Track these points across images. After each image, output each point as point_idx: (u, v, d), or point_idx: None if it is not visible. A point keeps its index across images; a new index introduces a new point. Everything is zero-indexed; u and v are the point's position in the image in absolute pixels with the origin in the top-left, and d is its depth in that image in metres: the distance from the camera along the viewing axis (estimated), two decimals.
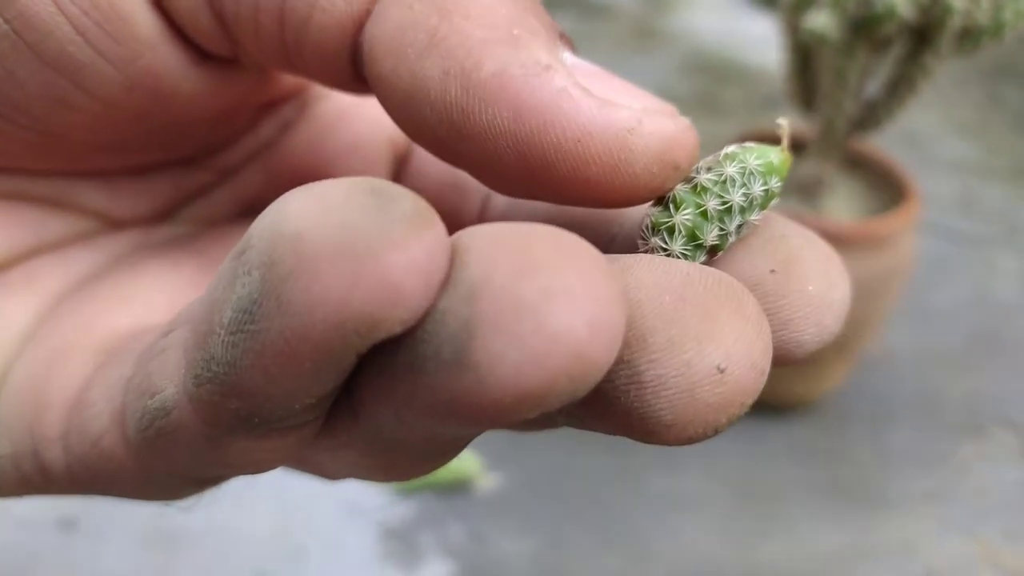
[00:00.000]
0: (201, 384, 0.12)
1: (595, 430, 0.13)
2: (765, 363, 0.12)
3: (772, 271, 0.14)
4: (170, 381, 0.13)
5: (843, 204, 0.67)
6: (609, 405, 0.12)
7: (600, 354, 0.10)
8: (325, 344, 0.10)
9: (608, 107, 0.12)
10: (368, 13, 0.13)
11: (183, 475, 0.14)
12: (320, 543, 0.62)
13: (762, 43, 1.18)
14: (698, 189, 0.14)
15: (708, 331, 0.11)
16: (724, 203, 0.14)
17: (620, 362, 0.11)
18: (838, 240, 0.61)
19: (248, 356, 0.11)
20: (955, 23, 0.55)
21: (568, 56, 0.13)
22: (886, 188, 0.68)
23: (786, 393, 0.71)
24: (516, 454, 0.68)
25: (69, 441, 0.15)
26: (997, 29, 0.55)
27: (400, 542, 0.62)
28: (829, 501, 0.67)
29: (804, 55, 0.63)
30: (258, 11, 0.14)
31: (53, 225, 0.17)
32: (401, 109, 0.13)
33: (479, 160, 0.13)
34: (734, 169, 0.14)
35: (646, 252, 0.14)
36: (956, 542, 0.64)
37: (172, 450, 0.13)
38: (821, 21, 0.56)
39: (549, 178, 0.13)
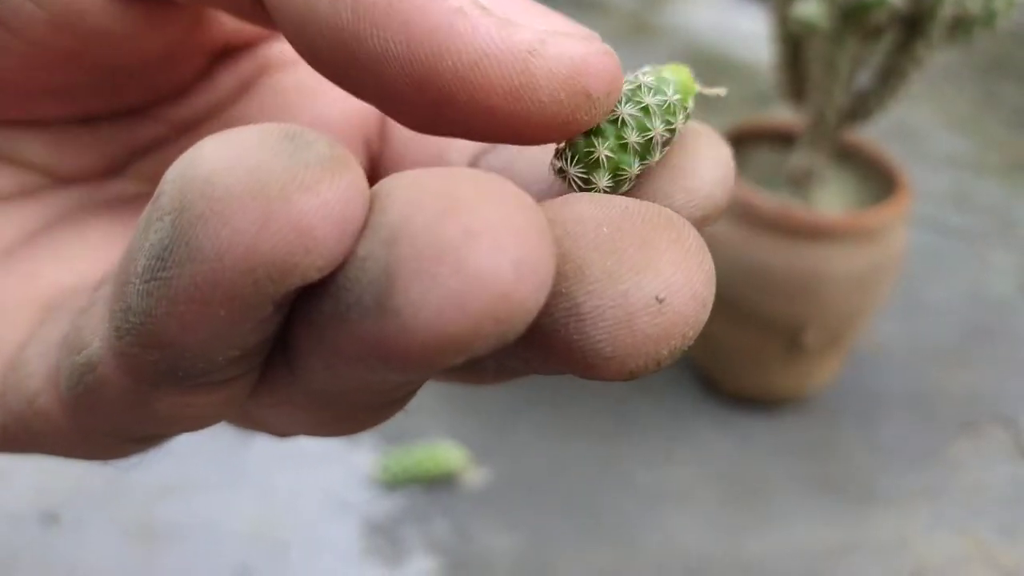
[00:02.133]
0: (122, 336, 0.11)
1: (537, 371, 0.13)
2: (707, 294, 0.11)
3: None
4: (95, 335, 0.12)
5: (833, 196, 0.67)
6: (548, 339, 0.11)
7: (527, 295, 0.10)
8: (237, 290, 0.10)
9: (508, 27, 0.12)
10: None
11: (119, 433, 0.14)
12: (303, 538, 0.62)
13: (755, 38, 1.18)
14: (620, 123, 0.13)
15: (646, 261, 0.11)
16: (647, 137, 0.14)
17: (558, 295, 0.11)
18: (828, 232, 0.60)
19: (162, 304, 0.10)
20: (946, 12, 0.54)
21: None
22: (877, 180, 0.68)
23: (775, 388, 0.70)
24: (502, 448, 0.67)
25: (6, 399, 0.14)
26: (989, 18, 0.55)
27: (384, 537, 0.61)
28: (819, 496, 0.66)
29: (794, 46, 0.62)
30: None
31: None
32: (297, 35, 0.13)
33: (379, 91, 0.12)
34: (655, 100, 0.14)
35: (562, 181, 0.13)
36: (948, 538, 0.64)
37: (102, 407, 0.13)
38: (811, 10, 0.55)
39: (452, 109, 0.12)
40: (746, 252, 0.62)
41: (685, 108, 0.14)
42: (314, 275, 0.10)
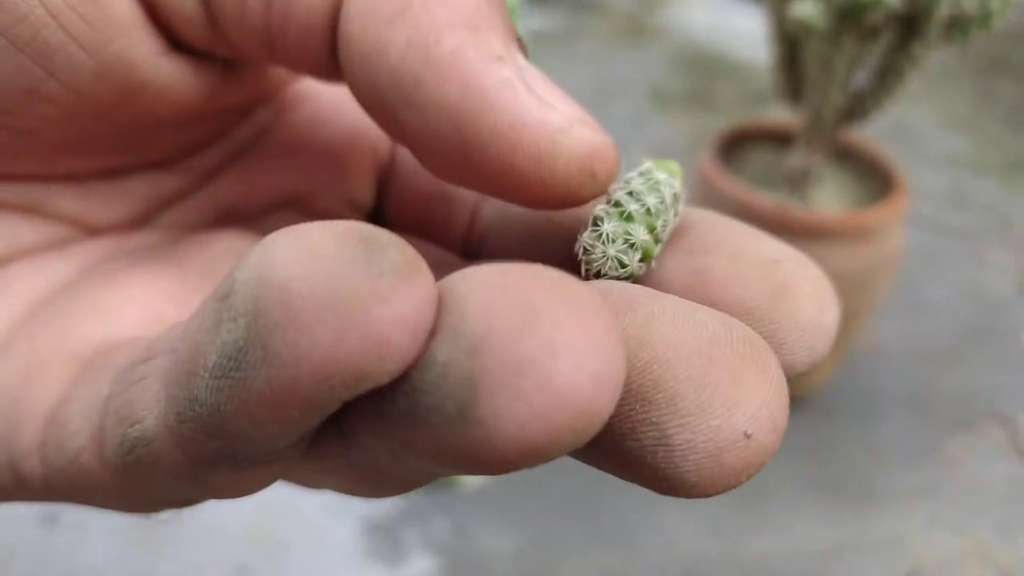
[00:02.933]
0: (184, 422, 0.12)
1: (599, 468, 0.13)
2: (784, 423, 0.12)
3: (770, 297, 0.14)
4: (150, 412, 0.13)
5: (831, 196, 0.67)
6: (634, 462, 0.12)
7: (603, 407, 0.10)
8: (312, 394, 0.10)
9: (545, 106, 0.13)
10: None
11: (164, 498, 0.15)
12: (303, 539, 0.62)
13: (752, 38, 1.18)
14: (616, 202, 0.15)
15: (737, 397, 0.12)
16: (643, 206, 0.15)
17: (648, 423, 0.12)
18: (825, 232, 0.60)
19: (233, 402, 0.11)
20: (943, 12, 0.54)
21: (520, 57, 0.14)
22: (874, 180, 0.68)
23: None
24: None
25: (46, 454, 0.15)
26: (985, 18, 0.55)
27: (383, 538, 0.61)
28: (818, 496, 0.66)
29: (791, 45, 0.62)
30: (243, 13, 0.14)
31: (26, 232, 0.16)
32: (361, 69, 0.14)
33: (420, 132, 0.14)
34: (640, 182, 0.15)
35: (590, 262, 0.15)
36: (945, 537, 0.64)
37: (152, 476, 0.13)
38: (807, 10, 0.55)
39: (480, 160, 0.13)
40: None
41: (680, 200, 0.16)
42: (385, 379, 0.10)
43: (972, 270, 0.91)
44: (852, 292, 0.63)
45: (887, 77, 0.60)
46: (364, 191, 0.19)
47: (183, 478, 0.13)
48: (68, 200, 0.17)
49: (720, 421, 0.11)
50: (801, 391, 0.72)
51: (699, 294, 0.14)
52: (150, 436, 0.13)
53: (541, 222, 0.17)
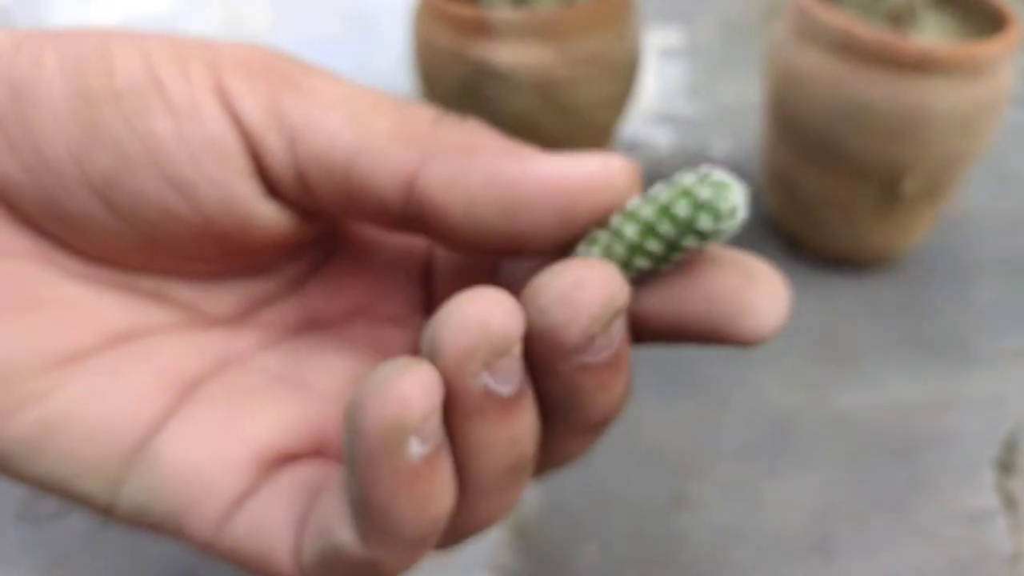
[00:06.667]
0: (359, 523, 0.17)
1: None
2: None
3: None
4: (341, 523, 0.17)
5: (934, 39, 0.62)
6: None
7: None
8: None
9: (576, 160, 0.17)
10: (419, 171, 0.17)
11: None
12: None
13: None
14: (608, 226, 0.18)
15: None
16: (621, 238, 0.17)
17: None
18: (933, 65, 0.56)
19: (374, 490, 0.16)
20: None
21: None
22: (981, 23, 0.63)
23: (865, 247, 0.67)
24: None
25: (225, 537, 0.18)
26: None
27: None
28: (913, 355, 0.63)
29: None
30: (331, 176, 0.17)
31: (157, 313, 0.20)
32: (456, 235, 0.18)
33: (478, 240, 0.18)
34: (651, 208, 0.17)
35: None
36: None
37: (339, 571, 0.17)
38: None
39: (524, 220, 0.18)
40: (843, 88, 0.58)
41: (715, 234, 0.17)
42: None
43: None
44: (959, 132, 0.58)
45: None
46: (418, 291, 0.23)
47: (366, 571, 0.17)
48: (186, 291, 0.21)
49: None
50: (894, 251, 0.68)
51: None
52: (342, 543, 0.17)
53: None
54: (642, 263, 0.17)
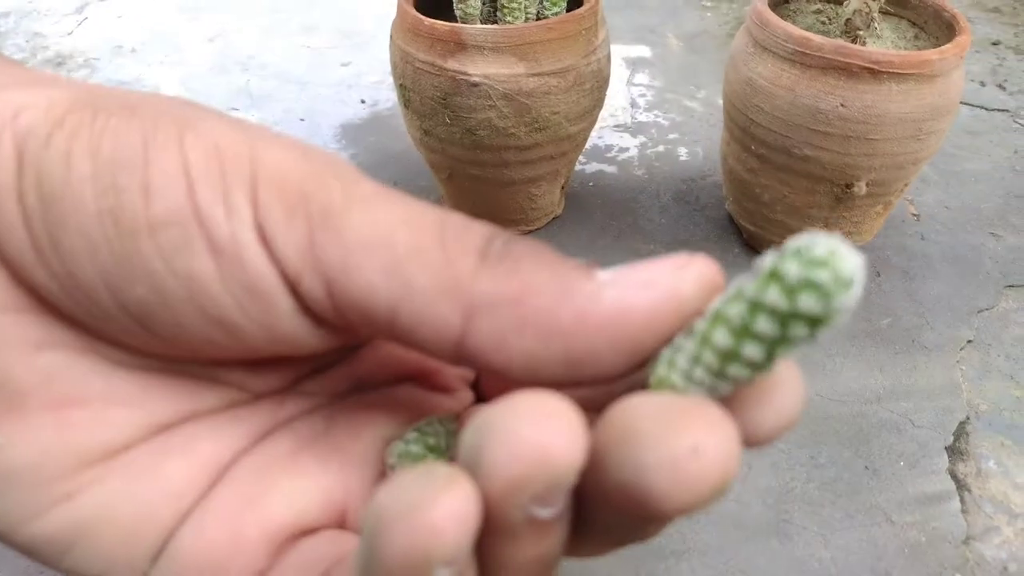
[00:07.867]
0: None
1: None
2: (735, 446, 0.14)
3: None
4: None
5: (888, 47, 0.65)
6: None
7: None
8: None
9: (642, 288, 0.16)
10: (467, 329, 0.16)
11: None
12: None
13: None
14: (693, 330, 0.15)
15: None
16: (704, 340, 0.15)
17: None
18: (886, 70, 0.59)
19: None
20: None
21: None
22: (934, 30, 0.66)
23: None
24: None
25: None
26: None
27: None
28: (868, 348, 0.66)
29: None
30: (373, 323, 0.17)
31: (205, 395, 0.20)
32: (518, 384, 0.16)
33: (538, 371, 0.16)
34: (737, 310, 0.14)
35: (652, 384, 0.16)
36: (998, 385, 0.64)
37: None
38: None
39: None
40: (799, 95, 0.61)
41: (806, 337, 0.14)
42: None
43: (1017, 143, 0.90)
44: (911, 136, 0.62)
45: None
46: (470, 371, 0.23)
47: None
48: (234, 374, 0.20)
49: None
50: None
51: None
52: None
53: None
54: (741, 372, 0.14)
